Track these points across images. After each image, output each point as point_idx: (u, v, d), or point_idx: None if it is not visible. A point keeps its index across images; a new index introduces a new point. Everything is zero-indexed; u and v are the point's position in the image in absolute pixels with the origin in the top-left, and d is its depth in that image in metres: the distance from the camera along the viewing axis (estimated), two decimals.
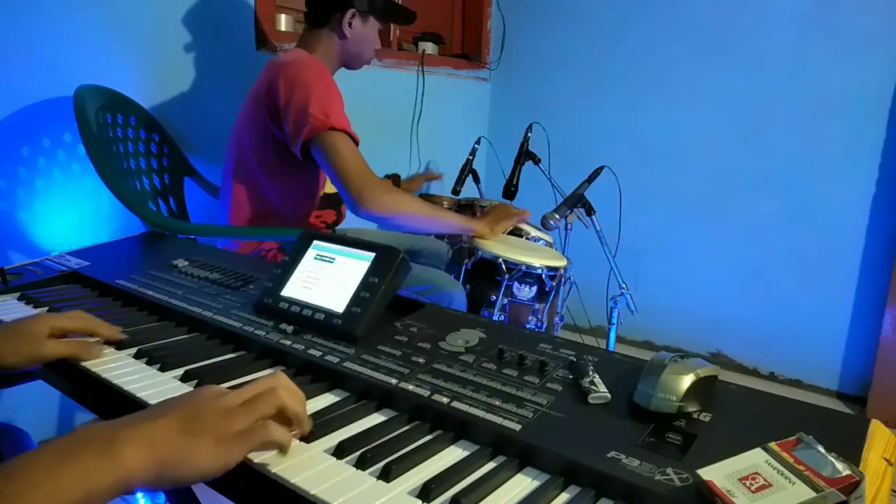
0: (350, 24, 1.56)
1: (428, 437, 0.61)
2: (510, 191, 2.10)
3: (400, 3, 1.69)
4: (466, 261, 1.70)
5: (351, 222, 1.90)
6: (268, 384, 0.57)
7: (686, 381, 0.59)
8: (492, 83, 3.15)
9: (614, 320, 1.82)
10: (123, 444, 0.48)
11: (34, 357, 0.72)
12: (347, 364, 0.71)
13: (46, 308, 0.91)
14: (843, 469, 0.46)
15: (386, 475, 0.53)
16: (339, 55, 1.60)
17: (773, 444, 0.50)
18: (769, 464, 0.48)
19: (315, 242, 0.90)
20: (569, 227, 1.97)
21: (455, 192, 2.29)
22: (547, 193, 2.14)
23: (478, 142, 2.38)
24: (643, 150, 2.73)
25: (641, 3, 2.67)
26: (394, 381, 0.67)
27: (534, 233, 1.90)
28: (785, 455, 0.49)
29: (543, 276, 1.63)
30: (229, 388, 0.64)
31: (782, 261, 2.48)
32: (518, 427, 0.58)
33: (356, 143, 1.43)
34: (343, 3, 1.54)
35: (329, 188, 1.72)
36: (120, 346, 0.78)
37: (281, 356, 0.77)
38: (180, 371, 0.72)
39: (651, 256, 2.76)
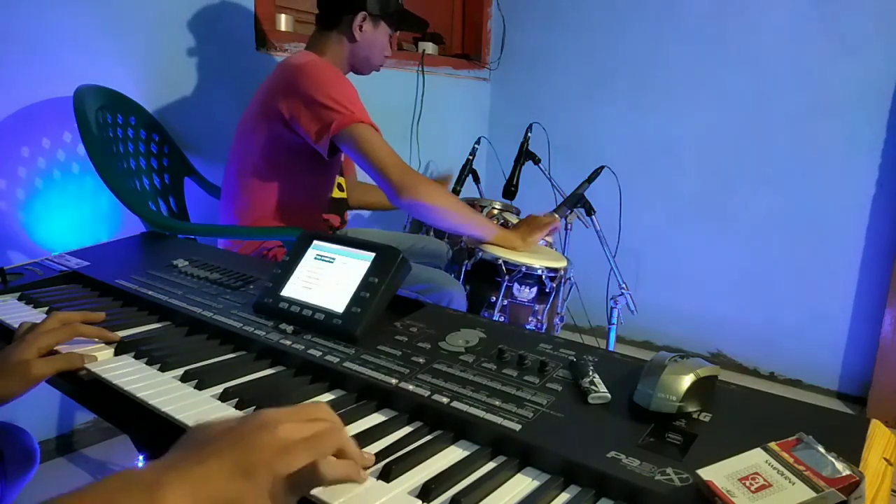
0: (360, 28, 1.56)
1: (428, 437, 0.61)
2: (510, 191, 2.10)
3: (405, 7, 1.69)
4: (466, 262, 1.70)
5: (351, 222, 1.90)
6: (329, 419, 0.50)
7: (686, 381, 0.59)
8: (492, 83, 3.15)
9: (614, 320, 1.82)
10: (167, 492, 0.40)
11: (25, 384, 0.71)
12: (347, 364, 0.71)
13: (46, 308, 0.92)
14: (843, 469, 0.46)
15: (386, 475, 0.53)
16: (347, 58, 1.60)
17: (773, 444, 0.50)
18: (769, 464, 0.48)
19: (315, 242, 0.90)
20: (569, 227, 1.97)
21: (455, 192, 2.28)
22: (547, 193, 2.14)
23: (478, 142, 2.38)
24: (643, 150, 2.73)
25: (641, 4, 2.67)
26: (394, 381, 0.67)
27: None
28: (785, 455, 0.49)
29: (543, 277, 1.63)
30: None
31: (782, 261, 2.48)
32: (518, 427, 0.58)
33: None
34: (354, 6, 1.54)
35: (336, 192, 1.73)
36: (120, 346, 0.78)
37: (281, 356, 0.77)
38: (180, 371, 0.72)
39: (651, 256, 2.76)
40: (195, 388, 0.69)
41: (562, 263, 1.64)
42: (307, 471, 0.45)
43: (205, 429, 0.47)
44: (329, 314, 0.80)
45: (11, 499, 0.91)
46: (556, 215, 1.74)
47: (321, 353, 0.74)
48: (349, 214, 1.85)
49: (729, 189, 2.57)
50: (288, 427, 0.46)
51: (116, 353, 0.77)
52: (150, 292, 0.94)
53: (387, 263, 0.82)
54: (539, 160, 2.13)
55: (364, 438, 0.59)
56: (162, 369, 0.73)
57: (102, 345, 0.79)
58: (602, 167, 1.88)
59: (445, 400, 0.63)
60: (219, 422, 0.48)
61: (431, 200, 1.40)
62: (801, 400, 0.62)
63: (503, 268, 1.61)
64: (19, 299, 0.96)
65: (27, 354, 0.72)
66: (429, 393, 0.64)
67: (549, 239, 1.90)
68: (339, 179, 1.78)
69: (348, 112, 1.38)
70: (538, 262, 1.59)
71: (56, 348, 0.76)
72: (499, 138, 2.93)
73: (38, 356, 0.73)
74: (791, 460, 0.48)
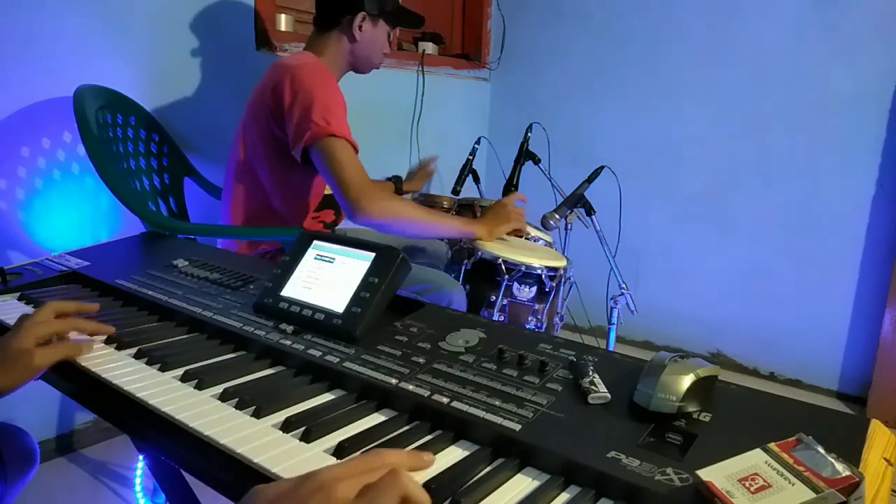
0: (360, 28, 1.56)
1: (428, 437, 0.61)
2: (510, 191, 2.11)
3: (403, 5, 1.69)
4: (466, 261, 1.70)
5: (351, 222, 1.90)
6: (391, 464, 0.46)
7: (686, 381, 0.59)
8: (492, 83, 3.15)
9: (614, 320, 1.82)
10: None
11: (27, 373, 0.71)
12: (347, 364, 0.71)
13: None
14: (842, 470, 0.46)
15: None
16: (347, 58, 1.61)
17: (772, 445, 0.50)
18: (769, 464, 0.48)
19: (315, 242, 0.90)
20: (569, 227, 1.97)
21: (455, 192, 2.29)
22: (547, 193, 2.14)
23: (478, 142, 2.38)
24: (643, 150, 2.73)
25: (641, 4, 2.67)
26: (394, 381, 0.67)
27: (534, 233, 1.90)
28: (785, 456, 0.49)
29: (543, 276, 1.63)
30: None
31: (782, 261, 2.48)
32: (518, 427, 0.58)
33: (355, 150, 1.43)
34: (354, 6, 1.54)
35: (328, 189, 1.73)
36: (120, 345, 0.78)
37: (281, 356, 0.77)
38: (180, 371, 0.72)
39: (651, 256, 2.76)
40: (195, 388, 0.69)
41: (561, 263, 1.64)
42: None
43: (261, 492, 0.45)
44: (329, 314, 0.80)
45: (12, 499, 0.91)
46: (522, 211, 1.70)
47: (321, 353, 0.74)
48: None
49: (729, 189, 2.57)
50: (345, 485, 0.44)
51: (118, 349, 0.77)
52: (150, 292, 0.94)
53: (387, 263, 0.82)
54: (539, 160, 2.13)
55: (364, 438, 0.59)
56: (162, 369, 0.73)
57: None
58: (602, 167, 1.88)
59: (445, 400, 0.63)
60: (276, 485, 0.46)
61: (386, 217, 1.41)
62: (801, 400, 0.62)
63: (503, 267, 1.61)
64: (19, 299, 0.96)
65: (26, 343, 0.71)
66: (429, 393, 0.64)
67: (548, 238, 1.90)
68: None
69: (324, 124, 1.38)
70: (538, 261, 1.59)
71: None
72: (499, 138, 2.93)
73: (36, 345, 0.72)
74: (791, 461, 0.48)
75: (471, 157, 2.32)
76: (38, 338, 0.73)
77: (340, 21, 1.56)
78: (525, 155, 2.12)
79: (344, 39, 1.58)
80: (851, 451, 0.53)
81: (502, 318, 1.66)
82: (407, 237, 1.78)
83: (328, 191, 1.71)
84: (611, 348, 1.81)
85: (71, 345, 0.74)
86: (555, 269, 1.64)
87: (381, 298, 0.80)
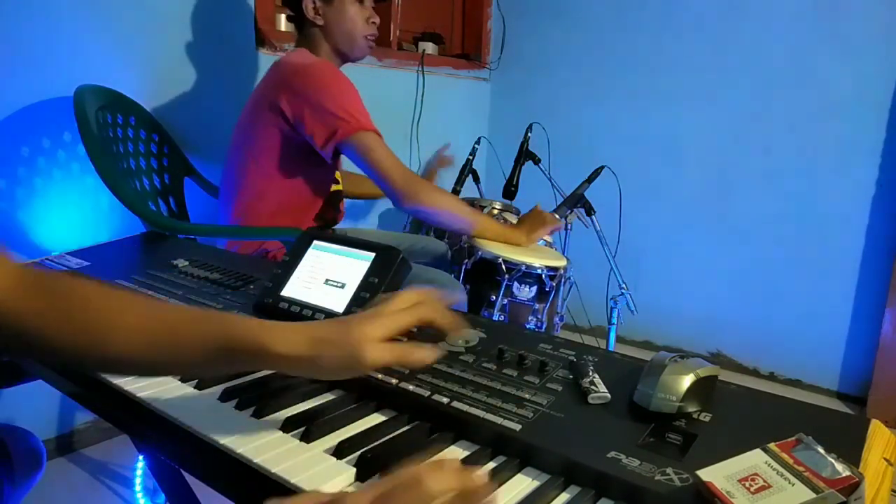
0: (318, 12, 1.52)
1: (428, 437, 0.61)
2: (510, 191, 2.10)
3: None
4: (466, 261, 1.70)
5: (351, 222, 1.90)
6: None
7: (686, 381, 0.59)
8: (492, 83, 3.15)
9: (614, 320, 1.82)
10: None
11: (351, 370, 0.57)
12: None
13: None
14: (842, 470, 0.46)
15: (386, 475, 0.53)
16: (332, 48, 1.58)
17: (772, 445, 0.50)
18: (769, 465, 0.48)
19: (315, 242, 0.90)
20: (569, 227, 1.97)
21: (455, 191, 2.28)
22: (547, 193, 2.14)
23: (478, 142, 2.38)
24: (643, 150, 2.73)
25: (642, 4, 2.67)
26: (394, 381, 0.67)
27: None
28: (784, 456, 0.49)
29: (543, 276, 1.63)
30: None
31: (782, 261, 2.48)
32: (518, 427, 0.58)
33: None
34: None
35: (334, 187, 1.73)
36: None
37: None
38: None
39: (651, 256, 2.76)
40: (195, 388, 0.69)
41: (561, 262, 1.64)
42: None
43: None
44: (329, 314, 0.80)
45: (17, 502, 0.91)
46: (558, 216, 1.75)
47: None
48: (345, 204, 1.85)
49: (729, 189, 2.57)
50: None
51: None
52: (150, 292, 0.94)
53: (387, 263, 0.82)
54: (539, 160, 2.13)
55: (364, 438, 0.59)
56: None
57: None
58: (602, 167, 1.88)
59: (445, 400, 0.63)
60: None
61: (434, 205, 1.46)
62: (801, 400, 0.62)
63: (503, 267, 1.61)
64: None
65: (376, 332, 0.56)
66: (429, 393, 0.64)
67: (548, 238, 1.90)
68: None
69: (353, 120, 1.39)
70: (538, 260, 1.60)
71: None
72: (499, 138, 2.93)
73: (382, 340, 0.57)
74: (791, 461, 0.48)
75: (471, 157, 2.32)
76: (390, 332, 0.58)
77: (303, 14, 1.53)
78: (525, 155, 2.12)
79: (316, 30, 1.55)
80: (851, 451, 0.53)
81: (502, 318, 1.66)
82: (446, 229, 1.81)
83: (334, 188, 1.71)
84: (611, 348, 1.81)
85: (410, 350, 0.58)
86: (555, 269, 1.64)
87: None
